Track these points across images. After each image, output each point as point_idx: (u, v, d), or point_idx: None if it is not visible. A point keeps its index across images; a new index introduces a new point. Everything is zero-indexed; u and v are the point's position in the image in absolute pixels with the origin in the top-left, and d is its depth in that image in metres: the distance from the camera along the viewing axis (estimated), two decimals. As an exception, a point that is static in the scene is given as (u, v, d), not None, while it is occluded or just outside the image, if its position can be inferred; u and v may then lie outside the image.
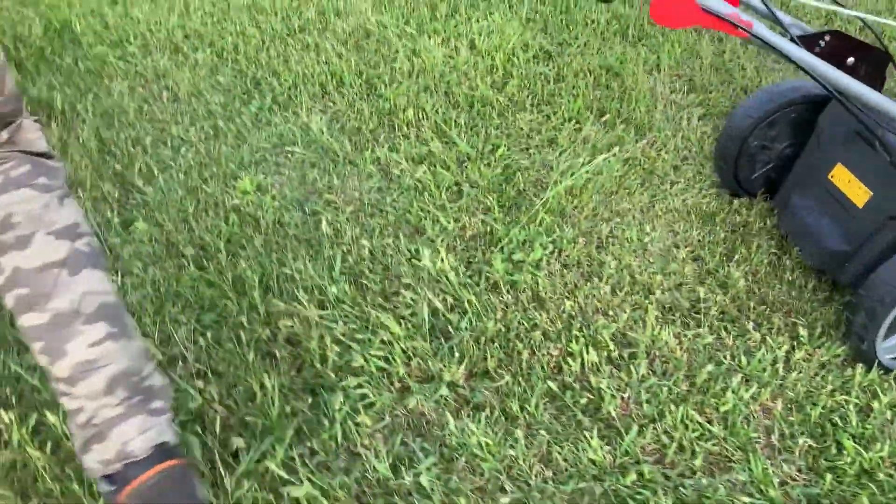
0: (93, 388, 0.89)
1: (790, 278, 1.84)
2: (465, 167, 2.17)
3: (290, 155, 2.21)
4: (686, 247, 1.93)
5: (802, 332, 1.69)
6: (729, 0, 1.18)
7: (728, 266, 1.87)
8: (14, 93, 0.87)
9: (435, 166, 2.17)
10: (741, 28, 1.18)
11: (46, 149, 0.94)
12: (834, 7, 1.56)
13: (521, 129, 2.34)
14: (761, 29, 1.21)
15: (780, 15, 1.71)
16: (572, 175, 2.08)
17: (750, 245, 1.92)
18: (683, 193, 2.10)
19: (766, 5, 1.56)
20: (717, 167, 2.09)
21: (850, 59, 1.72)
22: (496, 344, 1.66)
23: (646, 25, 2.85)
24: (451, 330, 1.70)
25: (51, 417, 1.44)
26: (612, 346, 1.65)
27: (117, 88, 2.45)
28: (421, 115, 2.37)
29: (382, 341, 1.65)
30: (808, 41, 1.73)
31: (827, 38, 1.71)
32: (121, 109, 2.36)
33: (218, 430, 1.46)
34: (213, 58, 2.62)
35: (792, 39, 1.56)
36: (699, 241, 1.95)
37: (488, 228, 1.97)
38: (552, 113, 2.40)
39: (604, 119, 2.35)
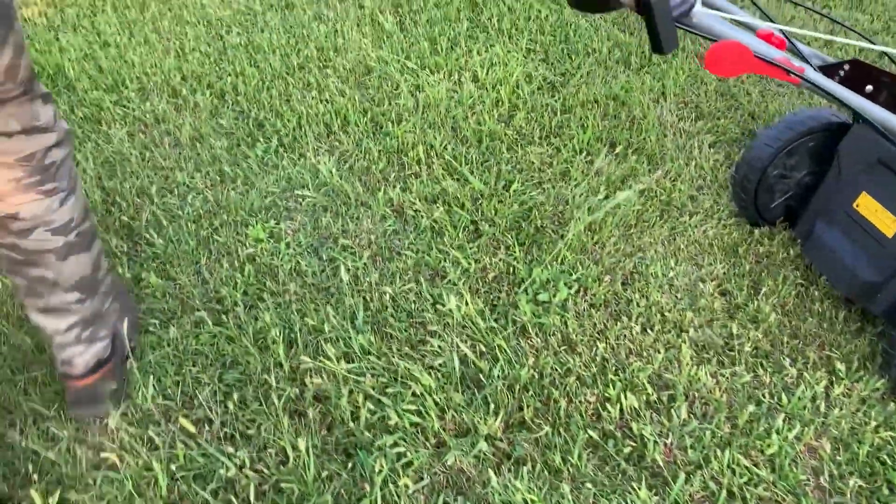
0: (58, 326, 1.46)
1: (820, 310, 1.82)
2: (480, 205, 2.13)
3: (300, 199, 2.16)
4: (712, 280, 1.91)
5: (839, 366, 1.66)
6: (777, 44, 1.16)
7: (757, 299, 1.84)
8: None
9: (449, 205, 2.13)
10: (794, 73, 1.16)
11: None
12: (863, 43, 1.55)
13: (533, 162, 2.31)
14: (812, 73, 1.19)
15: (801, 46, 1.70)
16: (591, 211, 2.06)
17: (776, 277, 1.90)
18: (703, 225, 2.08)
19: (786, 37, 1.55)
20: (735, 197, 2.07)
21: (869, 87, 1.72)
22: (531, 392, 1.62)
23: (646, 52, 2.84)
24: (482, 379, 1.65)
25: (74, 496, 1.37)
26: (650, 390, 1.61)
27: (117, 135, 2.39)
28: (430, 153, 2.33)
29: (414, 394, 1.60)
30: (828, 70, 1.72)
31: (847, 67, 1.71)
32: (122, 157, 2.30)
33: (252, 497, 1.40)
34: (213, 100, 2.57)
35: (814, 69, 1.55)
36: (724, 273, 1.93)
37: (510, 268, 1.93)
38: (562, 145, 2.38)
39: (616, 151, 2.33)
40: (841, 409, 1.59)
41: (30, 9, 3.16)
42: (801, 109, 1.99)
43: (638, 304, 1.82)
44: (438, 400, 1.58)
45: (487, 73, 2.68)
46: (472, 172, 2.25)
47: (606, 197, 2.13)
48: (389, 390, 1.60)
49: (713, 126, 2.48)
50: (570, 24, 3.01)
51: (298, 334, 1.74)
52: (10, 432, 1.53)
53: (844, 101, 1.30)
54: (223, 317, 1.79)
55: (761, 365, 1.69)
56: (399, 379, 1.63)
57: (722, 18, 1.09)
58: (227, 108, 2.55)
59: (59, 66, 2.71)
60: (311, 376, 1.62)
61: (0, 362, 1.68)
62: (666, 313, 1.81)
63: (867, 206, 1.75)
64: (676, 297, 1.86)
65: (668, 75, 2.68)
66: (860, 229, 1.76)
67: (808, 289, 1.88)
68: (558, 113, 2.53)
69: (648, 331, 1.77)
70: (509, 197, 2.16)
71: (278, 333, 1.72)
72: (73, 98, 2.58)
